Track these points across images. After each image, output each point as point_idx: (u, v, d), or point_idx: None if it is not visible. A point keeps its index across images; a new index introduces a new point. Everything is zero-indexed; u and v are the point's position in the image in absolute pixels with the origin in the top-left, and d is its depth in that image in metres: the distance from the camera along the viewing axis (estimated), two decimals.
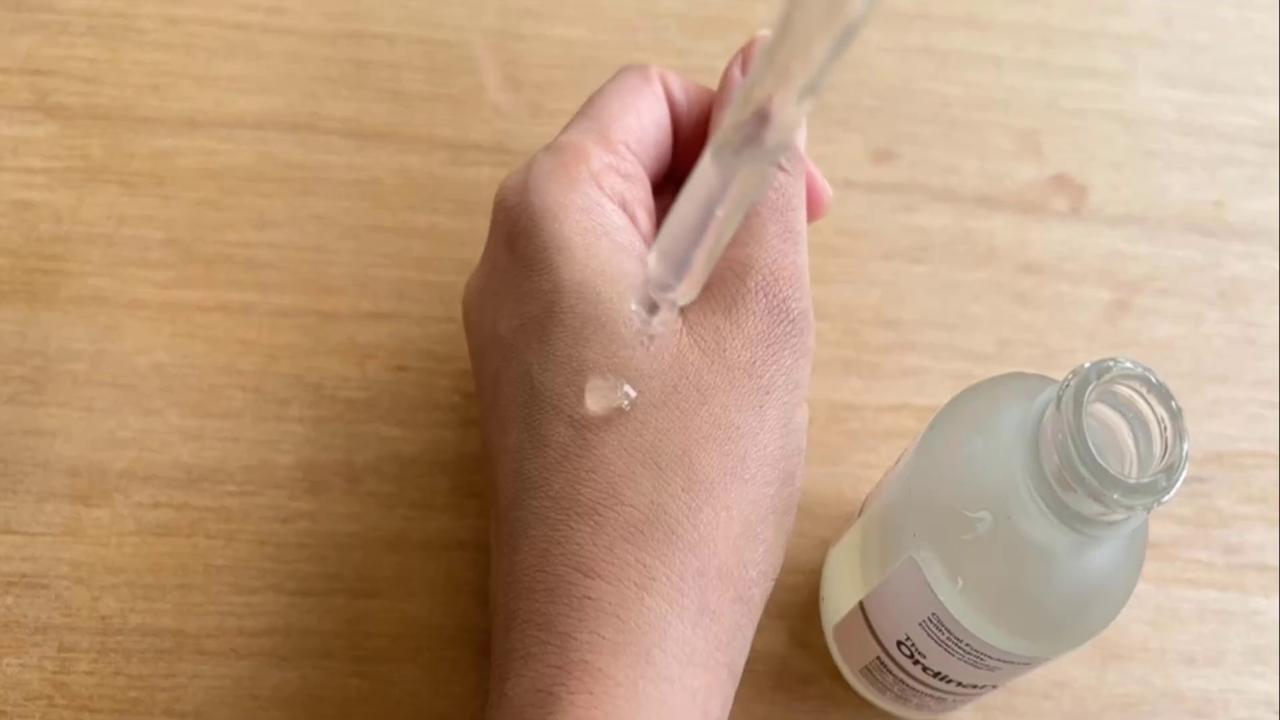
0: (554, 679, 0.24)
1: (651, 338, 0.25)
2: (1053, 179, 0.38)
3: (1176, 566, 0.34)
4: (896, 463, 0.29)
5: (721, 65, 0.38)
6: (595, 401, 0.25)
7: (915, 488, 0.26)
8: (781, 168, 0.28)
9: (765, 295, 0.26)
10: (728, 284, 0.27)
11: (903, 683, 0.29)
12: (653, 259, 0.23)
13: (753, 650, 0.28)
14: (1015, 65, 0.40)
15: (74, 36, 0.37)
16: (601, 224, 0.27)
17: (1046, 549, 0.24)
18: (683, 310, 0.26)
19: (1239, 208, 0.39)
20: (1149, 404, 0.23)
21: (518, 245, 0.27)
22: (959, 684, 0.28)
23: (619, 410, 0.25)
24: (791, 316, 0.27)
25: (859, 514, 0.30)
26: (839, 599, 0.30)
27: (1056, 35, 0.40)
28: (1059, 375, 0.24)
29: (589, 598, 0.24)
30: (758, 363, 0.26)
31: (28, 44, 0.37)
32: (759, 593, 0.26)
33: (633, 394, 0.25)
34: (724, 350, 0.26)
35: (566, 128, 0.29)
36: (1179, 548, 0.34)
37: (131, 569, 0.31)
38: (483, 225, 0.36)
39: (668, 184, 0.31)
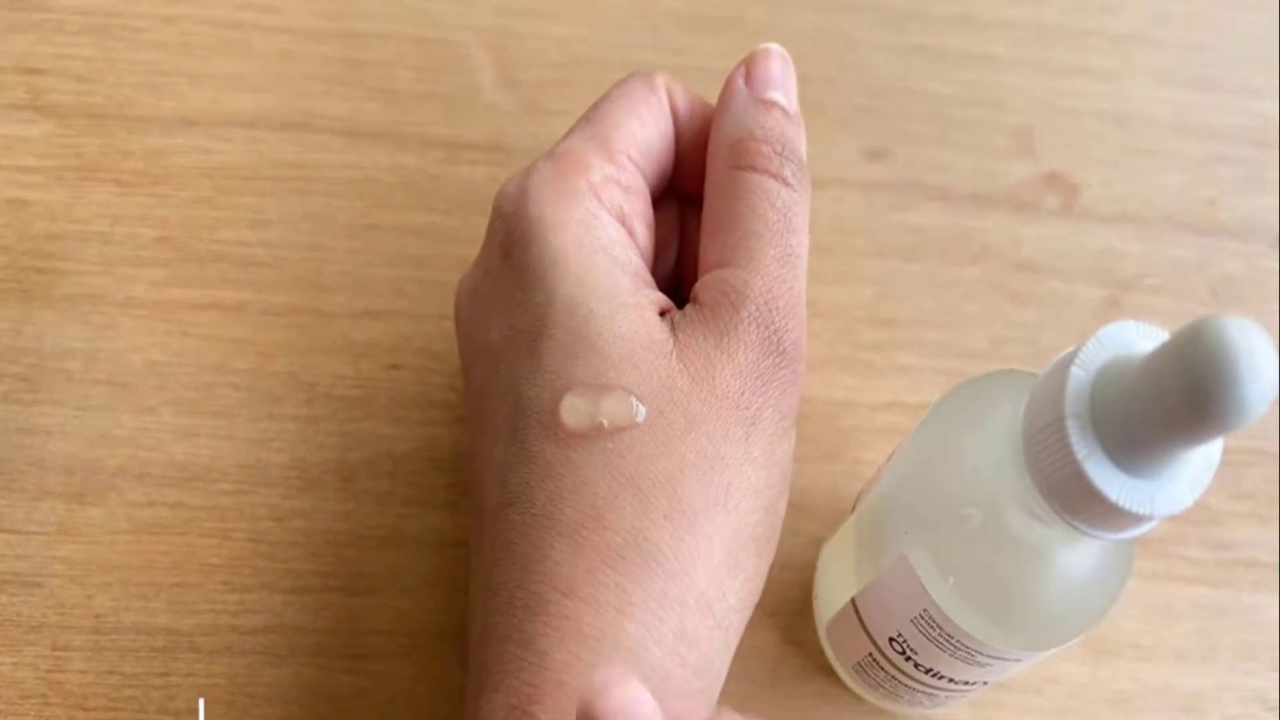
0: (530, 697, 0.24)
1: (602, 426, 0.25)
2: (1046, 177, 0.38)
3: (1168, 563, 0.34)
4: (888, 459, 0.29)
5: (719, 64, 0.39)
6: (571, 417, 0.25)
7: (907, 484, 0.27)
8: (785, 181, 0.28)
9: (758, 326, 0.26)
10: (721, 310, 0.26)
11: (895, 679, 0.29)
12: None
13: (746, 647, 0.28)
14: (1009, 64, 0.40)
15: (69, 35, 0.37)
16: (598, 238, 0.27)
17: (1037, 546, 0.24)
18: (675, 334, 0.26)
19: (1232, 206, 0.39)
20: None
21: (513, 254, 0.27)
22: (951, 680, 0.28)
23: (598, 428, 0.25)
24: (783, 348, 0.26)
25: (851, 511, 0.30)
26: (831, 596, 0.30)
27: (1051, 34, 0.40)
28: None
29: (567, 618, 0.24)
30: (746, 394, 0.26)
31: (22, 43, 0.37)
32: (737, 620, 0.26)
33: (643, 410, 0.25)
34: (713, 379, 0.26)
35: (568, 134, 0.29)
36: (1170, 544, 0.34)
37: (125, 567, 0.31)
38: (478, 223, 0.36)
39: (666, 196, 0.31)
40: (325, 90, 0.37)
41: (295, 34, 0.38)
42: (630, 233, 0.28)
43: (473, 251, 0.35)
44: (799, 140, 0.28)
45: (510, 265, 0.27)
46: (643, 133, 0.29)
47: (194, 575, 0.32)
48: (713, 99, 0.30)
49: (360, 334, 0.34)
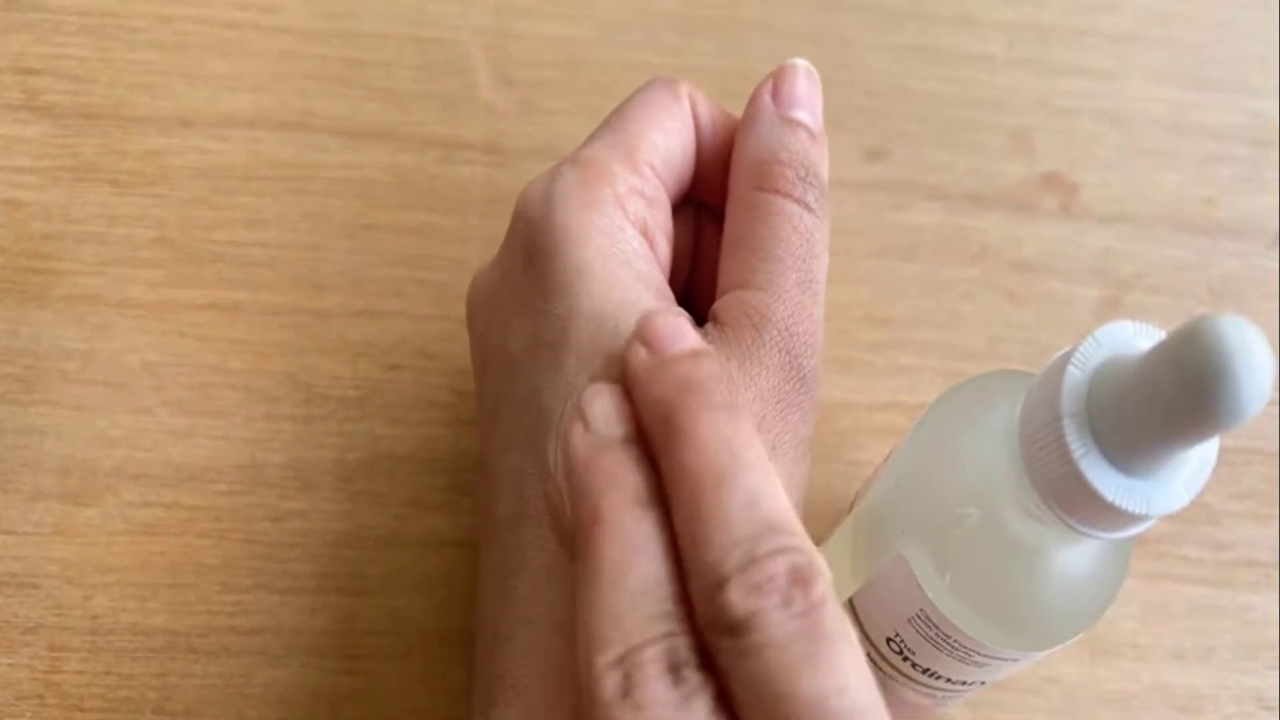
0: (547, 717, 0.24)
1: None
2: (1044, 177, 0.38)
3: (1166, 563, 0.34)
4: (885, 459, 0.29)
5: (715, 64, 0.39)
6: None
7: (904, 484, 0.26)
8: (808, 207, 0.27)
9: (779, 351, 0.26)
10: (744, 333, 0.26)
11: (893, 679, 0.29)
12: None
13: None
14: (1007, 64, 0.40)
15: (65, 35, 0.37)
16: (622, 251, 0.27)
17: (1034, 545, 0.24)
18: None
19: (1230, 205, 0.39)
20: None
21: (536, 262, 0.27)
22: (948, 680, 0.28)
23: None
24: (802, 375, 0.26)
25: (848, 512, 0.30)
26: None
27: (1048, 34, 0.40)
28: None
29: None
30: (767, 419, 0.26)
31: (19, 43, 0.37)
32: None
33: None
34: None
35: (590, 140, 0.28)
36: (1168, 544, 0.34)
37: (122, 568, 0.31)
38: (476, 224, 0.36)
39: (684, 207, 0.30)
40: (322, 90, 0.37)
41: (293, 34, 0.38)
42: (652, 245, 0.28)
43: (471, 251, 0.36)
44: (822, 164, 0.28)
45: (533, 272, 0.27)
46: (665, 143, 0.28)
47: (191, 576, 0.32)
48: (711, 98, 0.30)
49: (358, 334, 0.34)
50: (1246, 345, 0.18)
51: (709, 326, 0.27)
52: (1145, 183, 0.39)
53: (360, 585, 0.32)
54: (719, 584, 0.20)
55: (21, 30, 0.37)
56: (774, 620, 0.20)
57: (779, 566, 0.20)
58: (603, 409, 0.23)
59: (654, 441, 0.22)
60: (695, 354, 0.23)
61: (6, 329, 0.33)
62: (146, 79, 0.37)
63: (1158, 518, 0.21)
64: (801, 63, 0.29)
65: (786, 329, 0.26)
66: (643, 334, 0.23)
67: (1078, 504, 0.21)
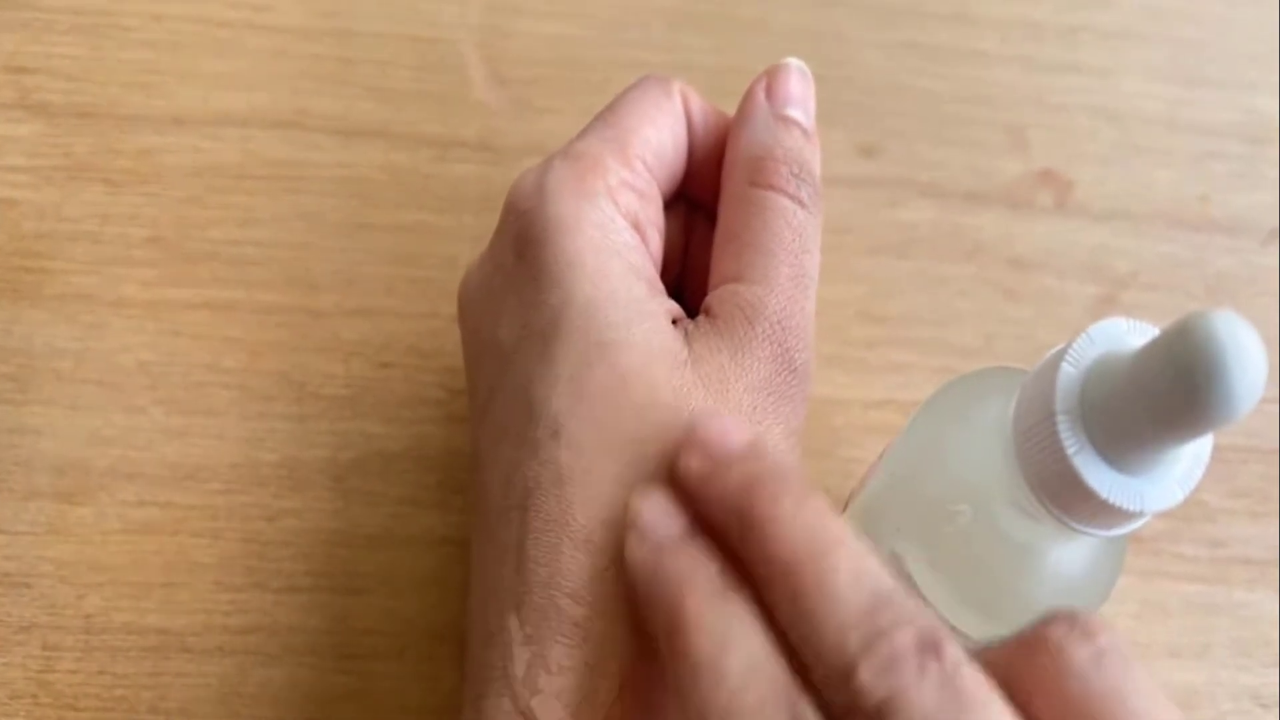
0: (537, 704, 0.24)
1: None
2: (1039, 174, 0.38)
3: (1162, 560, 0.34)
4: (880, 456, 0.29)
5: (709, 61, 0.39)
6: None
7: (897, 481, 0.26)
8: (802, 204, 0.27)
9: (771, 343, 0.26)
10: (736, 324, 0.26)
11: None
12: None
13: None
14: (1002, 60, 0.40)
15: (58, 34, 0.37)
16: (614, 243, 0.27)
17: (1028, 542, 0.24)
18: (689, 343, 0.26)
19: (1225, 202, 0.39)
20: None
21: (527, 253, 0.27)
22: None
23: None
24: (794, 367, 0.26)
25: (843, 509, 0.30)
26: None
27: (1043, 30, 0.40)
28: None
29: (577, 624, 0.24)
30: (758, 409, 0.26)
31: (11, 41, 0.37)
32: None
33: None
34: (727, 392, 0.25)
35: (583, 134, 0.28)
36: (1164, 542, 0.34)
37: (116, 567, 0.31)
38: (469, 222, 0.36)
39: (675, 203, 0.30)
40: (316, 89, 0.37)
41: (287, 32, 0.38)
42: (643, 239, 0.28)
43: (464, 250, 0.35)
44: (815, 162, 0.28)
45: (524, 264, 0.27)
46: (658, 138, 0.28)
47: (185, 575, 0.31)
48: (706, 97, 0.30)
49: (351, 333, 0.34)
50: (1239, 341, 0.18)
51: (701, 319, 0.27)
52: (1140, 179, 0.39)
53: (354, 584, 0.32)
54: (847, 669, 0.19)
55: (14, 29, 0.37)
56: (915, 698, 0.19)
57: (905, 638, 0.19)
58: (652, 512, 0.22)
59: (729, 538, 0.22)
60: (754, 447, 0.22)
61: (0, 328, 0.33)
62: (140, 78, 0.37)
63: (1151, 515, 0.21)
64: (795, 62, 0.29)
65: (779, 322, 0.26)
66: (694, 440, 0.23)
67: (1071, 501, 0.21)
